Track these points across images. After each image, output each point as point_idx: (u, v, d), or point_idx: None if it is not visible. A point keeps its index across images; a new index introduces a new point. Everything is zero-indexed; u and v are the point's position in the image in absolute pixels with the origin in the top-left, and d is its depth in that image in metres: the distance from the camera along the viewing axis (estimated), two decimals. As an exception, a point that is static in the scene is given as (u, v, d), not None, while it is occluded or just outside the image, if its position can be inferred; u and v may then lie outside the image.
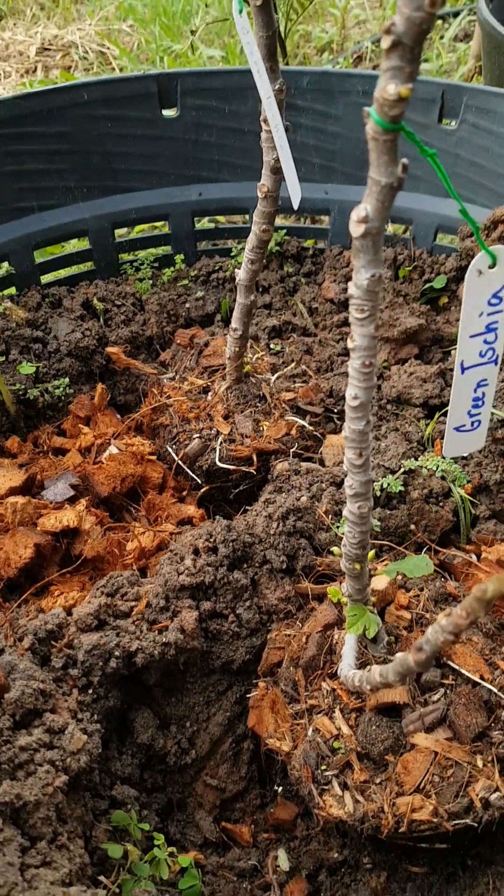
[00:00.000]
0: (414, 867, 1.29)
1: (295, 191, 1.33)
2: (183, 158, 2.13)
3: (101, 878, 1.19)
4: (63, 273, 2.16)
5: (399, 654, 0.94)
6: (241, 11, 1.20)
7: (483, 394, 1.09)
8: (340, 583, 1.45)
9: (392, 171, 0.80)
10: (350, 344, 0.90)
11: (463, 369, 1.05)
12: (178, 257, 2.20)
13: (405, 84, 0.74)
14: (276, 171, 1.46)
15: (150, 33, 4.00)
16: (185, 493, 1.74)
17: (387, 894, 1.27)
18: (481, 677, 1.27)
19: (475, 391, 1.09)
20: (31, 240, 2.02)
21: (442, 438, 1.71)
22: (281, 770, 1.45)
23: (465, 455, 1.67)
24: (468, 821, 1.14)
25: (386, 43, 0.72)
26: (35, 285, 2.07)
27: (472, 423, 1.14)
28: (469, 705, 1.23)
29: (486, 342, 1.03)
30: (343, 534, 1.50)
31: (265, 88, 1.26)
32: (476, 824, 1.14)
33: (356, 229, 0.84)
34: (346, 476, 1.63)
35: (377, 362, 0.92)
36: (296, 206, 1.34)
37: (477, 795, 1.15)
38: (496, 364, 1.07)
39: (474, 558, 1.57)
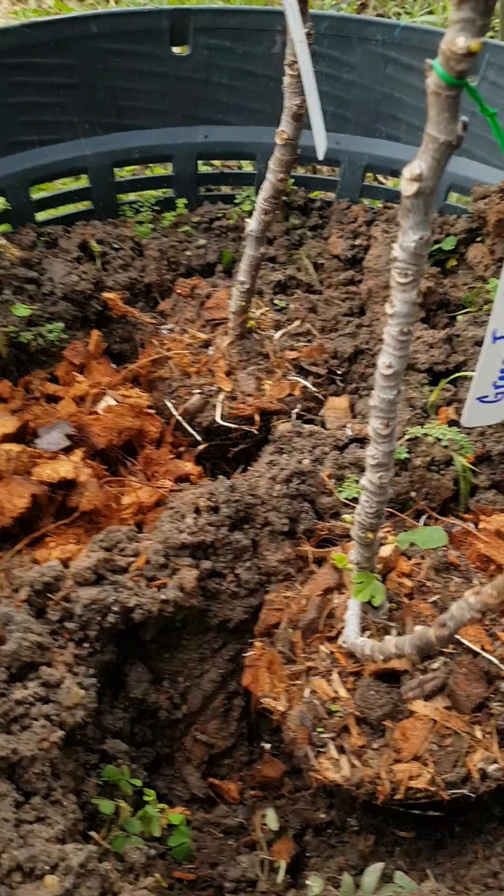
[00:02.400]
0: (402, 832, 1.31)
1: (321, 140, 1.28)
2: (191, 98, 2.04)
3: (93, 833, 1.19)
4: (58, 212, 2.08)
5: (419, 628, 0.93)
6: None
7: (512, 365, 1.06)
8: (343, 548, 1.43)
9: (452, 129, 0.77)
10: (388, 310, 0.87)
11: (494, 338, 1.02)
12: (181, 201, 2.12)
13: (476, 38, 0.70)
14: (298, 117, 1.40)
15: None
16: (182, 450, 1.70)
17: (374, 857, 1.28)
18: (482, 648, 1.27)
19: (504, 362, 1.06)
20: (29, 175, 1.93)
21: (447, 405, 1.69)
22: (270, 728, 1.45)
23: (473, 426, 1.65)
24: (465, 791, 1.15)
25: (460, -10, 0.68)
26: (30, 223, 1.98)
27: (497, 395, 1.11)
28: (469, 675, 1.23)
29: (520, 313, 1.00)
30: (346, 499, 1.49)
31: (298, 32, 1.19)
32: (472, 795, 1.15)
33: (408, 187, 0.80)
34: (349, 441, 1.61)
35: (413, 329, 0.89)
36: (321, 157, 1.28)
37: (475, 766, 1.16)
38: (528, 336, 1.04)
39: (472, 527, 1.56)
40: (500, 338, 1.00)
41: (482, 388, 1.06)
